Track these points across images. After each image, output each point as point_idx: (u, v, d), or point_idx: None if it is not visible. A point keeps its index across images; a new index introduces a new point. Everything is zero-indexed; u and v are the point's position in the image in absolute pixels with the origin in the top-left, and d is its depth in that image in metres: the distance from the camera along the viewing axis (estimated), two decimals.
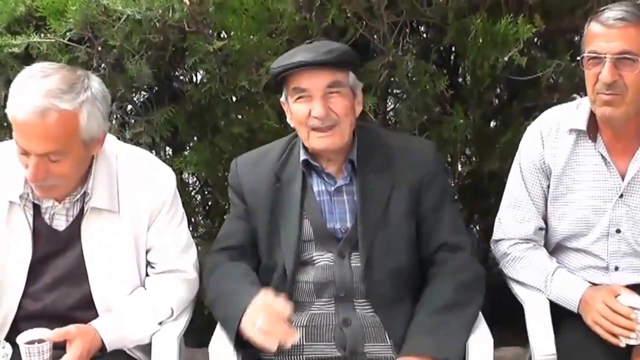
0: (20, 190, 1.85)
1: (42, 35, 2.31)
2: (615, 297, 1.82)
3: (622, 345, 1.78)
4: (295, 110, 1.91)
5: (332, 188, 1.97)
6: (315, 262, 1.96)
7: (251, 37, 2.31)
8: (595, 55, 1.82)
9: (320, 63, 1.85)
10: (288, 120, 1.98)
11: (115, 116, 2.52)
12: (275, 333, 1.72)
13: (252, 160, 2.07)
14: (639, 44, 1.80)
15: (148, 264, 1.97)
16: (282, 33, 2.35)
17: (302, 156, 1.97)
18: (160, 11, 2.25)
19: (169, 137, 2.54)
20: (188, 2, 2.23)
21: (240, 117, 2.46)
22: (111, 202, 1.88)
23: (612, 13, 1.82)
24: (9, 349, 1.79)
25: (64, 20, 2.29)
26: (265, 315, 1.74)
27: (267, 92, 2.39)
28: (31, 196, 1.86)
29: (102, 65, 2.37)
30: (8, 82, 2.38)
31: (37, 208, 1.89)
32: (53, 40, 2.30)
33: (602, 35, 1.82)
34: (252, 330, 1.74)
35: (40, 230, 1.89)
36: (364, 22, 2.35)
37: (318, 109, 1.86)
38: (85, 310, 1.88)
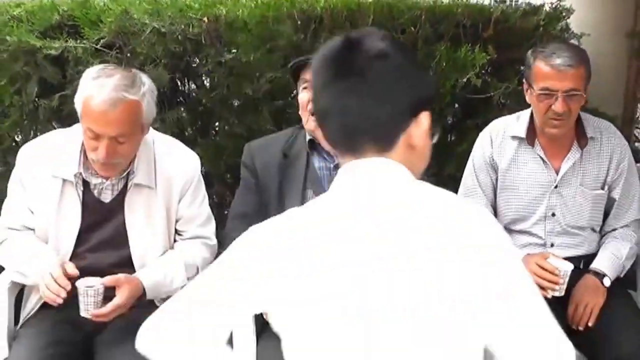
0: (75, 170, 2.34)
1: (78, 40, 2.85)
2: (545, 259, 2.48)
3: (549, 296, 2.38)
4: (300, 97, 2.38)
5: (331, 165, 2.43)
6: None
7: (254, 52, 2.91)
8: (547, 92, 2.41)
9: None
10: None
11: None
12: None
13: (264, 143, 2.54)
14: (583, 82, 2.42)
15: (176, 232, 2.48)
16: (280, 50, 2.96)
17: (308, 137, 2.45)
18: (182, 26, 2.83)
19: (177, 135, 3.07)
20: (206, 20, 2.81)
21: (241, 120, 3.03)
22: (149, 179, 2.38)
23: (561, 60, 2.39)
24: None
25: (98, 28, 2.85)
26: None
27: (266, 99, 2.98)
28: (83, 175, 2.36)
29: None
30: (40, 81, 2.93)
31: (86, 185, 2.37)
32: (87, 45, 2.84)
33: (554, 76, 2.39)
34: None
35: (89, 202, 2.36)
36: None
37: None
38: (124, 268, 2.33)
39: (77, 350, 2.31)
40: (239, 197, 2.58)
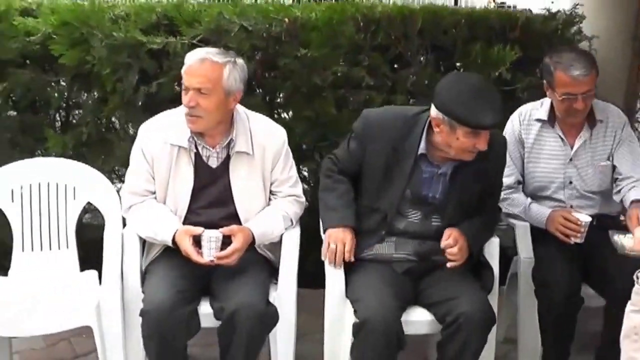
0: (187, 135, 2.95)
1: (177, 37, 3.51)
2: (569, 213, 3.17)
3: (572, 242, 3.11)
4: (463, 140, 2.74)
5: (437, 171, 2.90)
6: (408, 216, 2.99)
7: (322, 48, 3.59)
8: (569, 96, 3.10)
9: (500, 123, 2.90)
10: (436, 131, 2.80)
11: None
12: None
13: (382, 116, 2.96)
14: (595, 82, 3.10)
15: (272, 192, 3.12)
16: (342, 47, 3.64)
17: (421, 151, 2.87)
18: (266, 25, 3.51)
19: None
20: (287, 20, 3.49)
21: (309, 105, 3.70)
22: (248, 147, 2.99)
23: (578, 72, 3.05)
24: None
25: (194, 27, 3.51)
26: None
27: (331, 88, 3.66)
28: (194, 145, 2.98)
29: None
30: (141, 72, 3.58)
31: (197, 154, 3.02)
32: (185, 41, 3.50)
33: (574, 84, 3.07)
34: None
35: (199, 167, 2.99)
36: (401, 43, 3.68)
37: (482, 144, 2.76)
38: (232, 221, 2.96)
39: (197, 283, 2.94)
40: (342, 150, 3.09)
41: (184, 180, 3.00)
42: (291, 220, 3.12)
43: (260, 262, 3.05)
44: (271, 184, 3.12)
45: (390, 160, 2.92)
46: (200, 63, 2.86)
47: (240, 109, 3.06)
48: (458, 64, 3.78)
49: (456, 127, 2.75)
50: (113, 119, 3.79)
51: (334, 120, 3.64)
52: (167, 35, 3.52)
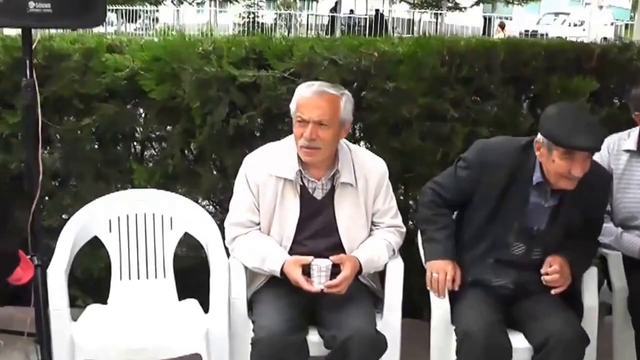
0: (295, 168, 3.07)
1: (269, 70, 3.66)
2: None
3: None
4: (559, 163, 2.85)
5: (545, 204, 3.02)
6: (511, 248, 3.07)
7: (409, 81, 3.73)
8: None
9: (597, 150, 2.91)
10: (537, 155, 2.94)
11: None
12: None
13: (497, 146, 3.07)
14: None
15: (373, 223, 3.22)
16: (427, 80, 3.78)
17: (536, 180, 2.99)
18: (356, 59, 3.66)
19: None
20: (376, 55, 3.64)
21: (396, 136, 3.83)
22: (351, 178, 3.11)
23: None
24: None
25: (284, 60, 3.66)
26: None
27: (417, 120, 3.80)
28: (300, 177, 3.10)
29: None
30: (231, 104, 3.72)
31: (302, 186, 3.12)
32: (277, 74, 3.64)
33: None
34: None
35: (305, 198, 3.11)
36: (484, 75, 3.82)
37: (578, 169, 2.83)
38: (336, 251, 3.05)
39: (305, 312, 3.04)
40: (449, 178, 3.19)
41: (290, 212, 3.12)
42: (393, 250, 3.23)
43: (363, 291, 3.15)
44: (373, 215, 3.22)
45: (505, 190, 3.02)
46: (319, 96, 3.00)
47: (342, 140, 3.18)
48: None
49: (552, 149, 2.86)
50: (200, 151, 3.89)
51: (419, 152, 3.76)
52: (257, 69, 3.64)
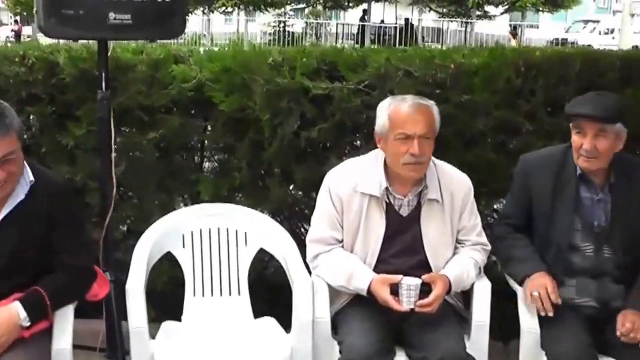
0: (383, 185, 3.00)
1: (342, 82, 3.59)
2: None
3: None
4: (573, 139, 2.98)
5: (596, 197, 3.03)
6: (580, 248, 3.07)
7: (483, 93, 3.67)
8: None
9: (598, 118, 2.91)
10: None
11: None
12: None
13: (539, 152, 3.19)
14: None
15: (458, 241, 3.14)
16: (501, 91, 3.71)
17: (579, 171, 3.03)
18: (432, 71, 3.60)
19: None
20: (453, 66, 3.58)
21: (470, 150, 3.75)
22: (437, 195, 3.04)
23: None
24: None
25: (358, 72, 3.60)
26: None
27: (492, 132, 3.73)
28: (386, 194, 3.02)
29: None
30: (301, 116, 3.65)
31: (388, 203, 3.05)
32: (351, 86, 3.58)
33: None
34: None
35: (390, 215, 3.03)
36: (560, 87, 3.76)
37: (586, 144, 2.92)
38: (421, 269, 2.99)
39: (391, 332, 2.97)
40: (508, 204, 3.30)
41: (375, 229, 3.05)
42: (480, 269, 3.16)
43: (450, 311, 3.08)
44: (458, 232, 3.16)
45: (555, 190, 3.06)
46: (417, 109, 2.94)
47: None
48: None
49: (571, 127, 2.99)
50: (269, 164, 3.83)
51: (493, 166, 3.70)
52: (329, 80, 3.59)
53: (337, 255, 3.08)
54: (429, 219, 3.07)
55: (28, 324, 2.67)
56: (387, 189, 3.04)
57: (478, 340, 3.06)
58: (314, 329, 3.02)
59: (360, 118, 3.57)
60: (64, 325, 2.82)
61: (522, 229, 3.19)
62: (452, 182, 3.13)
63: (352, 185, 3.06)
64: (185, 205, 3.97)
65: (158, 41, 3.77)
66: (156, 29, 3.09)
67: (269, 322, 3.24)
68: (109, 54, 3.28)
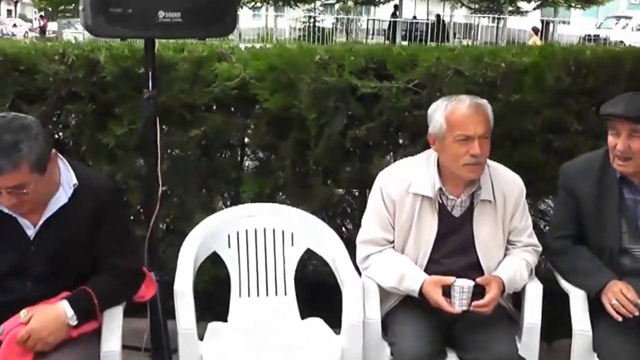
0: (437, 186, 2.95)
1: (391, 81, 3.54)
2: None
3: None
4: (609, 140, 2.93)
5: (637, 198, 3.01)
6: (631, 251, 3.03)
7: (533, 92, 3.59)
8: None
9: (630, 118, 2.85)
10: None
11: None
12: None
13: (580, 159, 3.14)
14: None
15: (509, 242, 3.08)
16: (550, 91, 3.65)
17: (619, 173, 3.01)
18: (483, 71, 3.53)
19: None
20: (504, 65, 3.52)
21: (517, 149, 3.68)
22: (490, 195, 2.99)
23: None
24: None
25: (408, 71, 3.54)
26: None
27: (541, 133, 3.66)
28: (439, 195, 2.97)
29: None
30: (350, 115, 3.60)
31: (441, 204, 2.99)
32: (400, 85, 3.53)
33: None
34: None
35: (443, 216, 2.99)
36: (610, 87, 3.68)
37: (620, 145, 2.88)
38: (473, 271, 2.95)
39: (442, 334, 2.93)
40: (555, 217, 3.26)
41: (427, 230, 3.00)
42: (531, 270, 3.11)
43: (501, 314, 3.02)
44: (509, 233, 3.10)
45: (598, 192, 3.02)
46: (476, 109, 2.88)
47: None
48: None
49: (607, 128, 2.94)
50: (314, 163, 3.78)
51: (540, 166, 3.63)
52: (379, 80, 3.53)
53: (388, 256, 3.03)
54: (482, 219, 3.02)
55: (75, 323, 2.63)
56: (440, 189, 2.98)
57: (529, 342, 3.00)
58: (364, 330, 2.96)
59: (408, 118, 3.51)
60: (113, 326, 2.78)
61: (577, 239, 3.13)
62: (505, 182, 3.07)
63: (405, 186, 3.01)
64: (226, 204, 3.93)
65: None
66: (207, 27, 3.02)
67: (317, 323, 3.20)
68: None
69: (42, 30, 30.31)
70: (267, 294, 3.32)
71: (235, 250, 3.32)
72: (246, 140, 3.91)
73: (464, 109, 2.87)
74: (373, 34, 27.88)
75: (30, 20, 41.11)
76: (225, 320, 3.25)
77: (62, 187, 2.68)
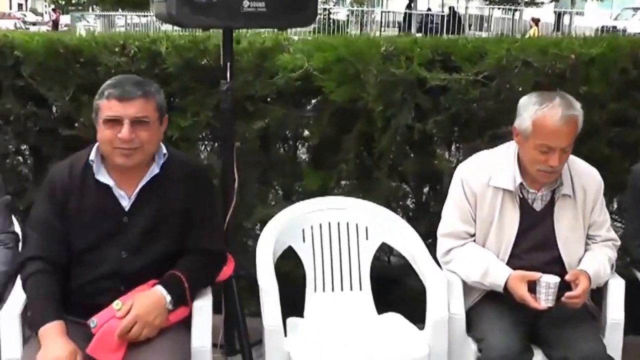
0: (518, 181, 2.92)
1: (460, 73, 3.49)
2: None
3: None
4: None
5: None
6: None
7: (600, 85, 3.55)
8: None
9: None
10: None
11: None
12: None
13: None
14: None
15: (588, 237, 3.05)
16: (617, 83, 3.61)
17: None
18: (551, 62, 3.49)
19: None
20: (573, 57, 3.48)
21: (583, 143, 3.61)
22: (570, 190, 2.97)
23: None
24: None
25: (477, 63, 3.50)
26: None
27: (607, 124, 3.62)
28: (519, 189, 2.95)
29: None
30: (416, 107, 3.56)
31: (522, 197, 2.97)
32: (470, 77, 3.48)
33: None
34: None
35: (524, 210, 2.96)
36: None
37: None
38: (554, 265, 2.92)
39: (527, 330, 2.91)
40: (634, 216, 3.21)
41: (509, 224, 2.98)
42: (612, 265, 3.09)
43: (583, 310, 2.99)
44: (588, 227, 3.08)
45: None
46: (567, 121, 2.80)
47: None
48: None
49: None
50: (379, 156, 3.73)
51: (606, 160, 3.60)
52: (444, 71, 3.49)
53: (471, 249, 3.01)
54: (562, 214, 3.00)
55: (171, 307, 2.61)
56: (521, 184, 2.96)
57: (613, 339, 2.99)
58: (450, 325, 2.94)
59: (477, 110, 3.47)
60: (203, 321, 2.74)
61: None
62: (584, 177, 3.05)
63: (485, 179, 2.98)
64: (286, 197, 3.87)
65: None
66: (289, 16, 2.97)
67: (396, 318, 3.17)
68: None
69: (55, 23, 30.03)
70: (341, 289, 3.28)
71: (310, 245, 3.28)
72: (306, 132, 3.83)
73: (555, 121, 2.79)
74: (386, 27, 27.61)
75: (42, 14, 40.80)
76: (298, 316, 3.20)
77: (155, 160, 2.72)
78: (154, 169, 2.71)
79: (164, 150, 2.74)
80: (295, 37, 4.09)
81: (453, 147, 3.81)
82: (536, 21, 23.73)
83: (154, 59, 3.65)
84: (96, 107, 2.64)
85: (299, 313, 3.21)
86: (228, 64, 3.09)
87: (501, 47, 3.47)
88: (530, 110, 2.86)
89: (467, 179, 3.01)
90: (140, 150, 2.62)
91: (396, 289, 3.57)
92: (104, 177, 2.68)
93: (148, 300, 2.56)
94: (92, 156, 2.69)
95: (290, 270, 3.37)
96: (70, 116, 3.74)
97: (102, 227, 2.66)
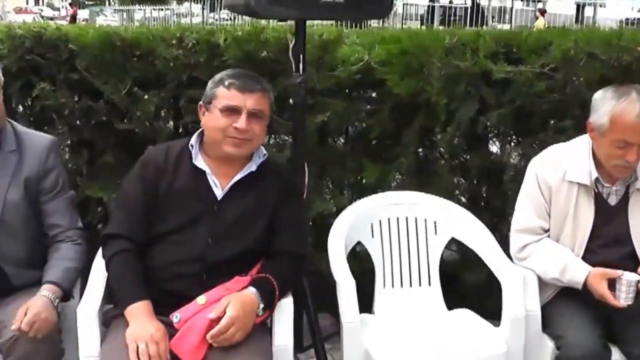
0: (594, 175, 2.87)
1: (526, 65, 3.44)
2: None
3: None
4: None
5: None
6: None
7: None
8: None
9: None
10: None
11: None
12: None
13: None
14: None
15: None
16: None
17: None
18: (618, 55, 3.43)
19: None
20: (639, 49, 3.43)
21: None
22: None
23: None
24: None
25: (542, 55, 3.45)
26: None
27: None
28: (595, 183, 2.91)
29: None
30: (481, 100, 3.50)
31: (597, 192, 2.93)
32: (535, 69, 3.43)
33: None
34: None
35: (599, 205, 2.92)
36: None
37: None
38: (629, 261, 2.86)
39: (604, 328, 2.86)
40: None
41: (584, 219, 2.94)
42: None
43: None
44: None
45: None
46: None
47: None
48: None
49: None
50: (439, 149, 3.69)
51: None
52: (508, 63, 3.44)
53: (547, 245, 2.97)
54: (636, 209, 2.95)
55: (261, 314, 2.59)
56: (596, 178, 2.91)
57: None
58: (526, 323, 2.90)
59: (543, 103, 3.42)
60: (285, 320, 2.70)
61: None
62: None
63: (560, 173, 2.94)
64: (345, 192, 3.82)
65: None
66: (365, 8, 2.91)
67: (467, 315, 3.14)
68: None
69: (73, 18, 29.88)
70: (410, 285, 3.24)
71: (379, 240, 3.24)
72: (364, 125, 3.77)
73: (633, 116, 2.73)
74: (407, 19, 27.31)
75: (58, 9, 40.64)
76: (365, 312, 3.15)
77: (254, 156, 2.73)
78: (252, 166, 2.71)
79: (264, 151, 2.76)
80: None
81: (513, 141, 3.75)
82: (542, 12, 23.54)
83: (212, 51, 3.58)
84: (212, 94, 2.66)
85: (366, 309, 3.16)
86: (300, 56, 3.02)
87: (567, 38, 3.41)
88: (607, 105, 2.80)
89: (542, 173, 2.97)
90: (250, 142, 2.65)
91: (454, 284, 3.52)
92: (200, 163, 2.68)
93: (244, 303, 2.52)
94: (192, 141, 2.70)
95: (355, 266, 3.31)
96: (126, 110, 3.67)
97: (193, 210, 2.64)
